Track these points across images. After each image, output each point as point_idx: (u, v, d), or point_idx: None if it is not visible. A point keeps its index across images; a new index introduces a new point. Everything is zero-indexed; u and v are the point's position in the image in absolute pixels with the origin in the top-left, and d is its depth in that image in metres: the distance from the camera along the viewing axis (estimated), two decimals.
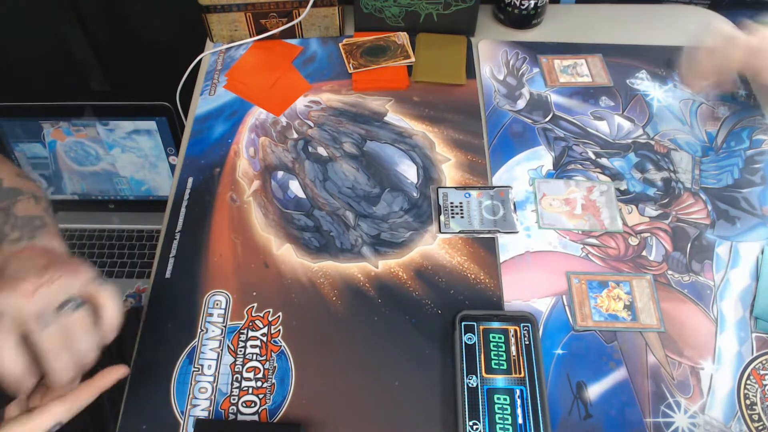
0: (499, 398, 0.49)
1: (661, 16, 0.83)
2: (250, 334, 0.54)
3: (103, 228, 1.13)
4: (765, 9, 0.89)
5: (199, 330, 0.55)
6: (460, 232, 0.60)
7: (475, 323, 0.52)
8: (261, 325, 0.55)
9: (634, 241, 0.60)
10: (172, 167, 1.11)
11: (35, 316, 0.41)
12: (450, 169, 0.66)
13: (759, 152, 0.67)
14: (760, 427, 0.50)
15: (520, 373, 0.50)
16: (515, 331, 0.52)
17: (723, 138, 0.69)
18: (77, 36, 1.02)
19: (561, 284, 0.57)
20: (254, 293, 0.57)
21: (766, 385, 0.52)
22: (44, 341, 0.42)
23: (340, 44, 0.78)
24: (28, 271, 0.43)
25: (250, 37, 0.78)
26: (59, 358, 0.42)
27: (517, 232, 0.60)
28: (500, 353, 0.51)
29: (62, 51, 1.04)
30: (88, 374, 0.45)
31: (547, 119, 0.70)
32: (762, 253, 0.59)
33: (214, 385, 0.52)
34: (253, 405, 0.51)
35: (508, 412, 0.48)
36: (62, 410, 0.43)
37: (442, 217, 0.61)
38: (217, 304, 0.56)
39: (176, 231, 0.61)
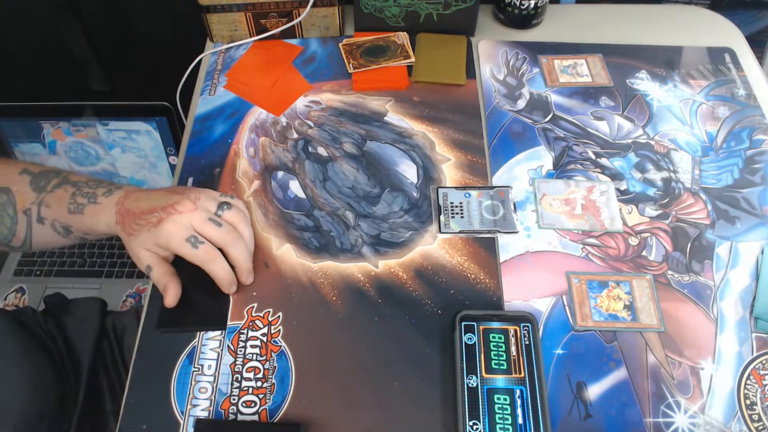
0: (499, 398, 0.49)
1: (660, 16, 0.83)
2: (250, 334, 0.54)
3: None
4: (764, 9, 0.90)
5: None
6: (460, 232, 0.60)
7: (475, 323, 0.52)
8: (261, 325, 0.55)
9: (634, 241, 0.60)
10: (173, 167, 1.11)
11: (206, 223, 0.52)
12: (450, 169, 0.66)
13: (759, 152, 0.67)
14: (760, 427, 0.50)
15: (520, 373, 0.50)
16: (515, 331, 0.52)
17: (723, 138, 0.69)
18: (77, 36, 1.02)
19: (561, 284, 0.57)
20: (254, 293, 0.57)
21: (766, 385, 0.52)
22: (223, 237, 0.53)
23: (340, 44, 0.78)
24: (159, 200, 0.53)
25: (250, 37, 0.78)
26: (238, 247, 0.54)
27: (517, 232, 0.61)
28: (500, 353, 0.51)
29: (62, 51, 1.04)
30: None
31: (547, 119, 0.70)
32: (762, 253, 0.59)
33: (214, 385, 0.52)
34: (253, 405, 0.51)
35: (508, 412, 0.48)
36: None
37: (442, 217, 0.61)
38: None
39: None
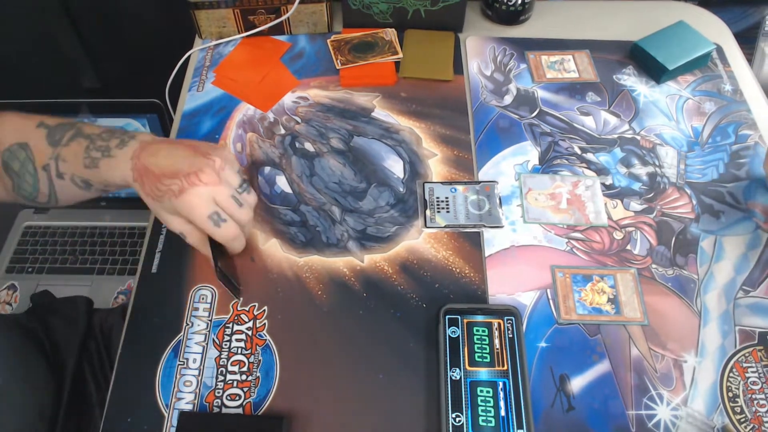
0: (482, 391, 0.49)
1: (648, 12, 0.83)
2: (236, 328, 0.55)
3: (95, 225, 1.13)
4: (753, 6, 0.90)
5: (184, 324, 0.55)
6: (445, 227, 0.61)
7: (459, 317, 0.52)
8: (246, 319, 0.55)
9: (618, 235, 0.60)
10: None
11: (230, 201, 0.51)
12: (436, 164, 0.66)
13: (744, 147, 0.67)
14: (742, 419, 0.50)
15: (503, 365, 0.50)
16: (499, 324, 0.52)
17: (709, 133, 0.69)
18: (68, 34, 1.02)
19: (545, 278, 0.58)
20: (240, 287, 0.57)
21: (749, 378, 0.52)
22: (242, 218, 0.53)
23: (328, 40, 0.78)
24: (181, 163, 0.50)
25: (239, 33, 0.78)
26: (249, 228, 0.55)
27: (502, 227, 0.61)
28: (484, 346, 0.51)
29: (53, 49, 1.04)
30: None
31: (534, 115, 0.71)
32: None
33: (199, 378, 0.52)
34: (237, 398, 0.51)
35: (491, 404, 0.48)
36: None
37: (428, 212, 0.62)
38: (203, 299, 0.56)
39: (163, 226, 0.61)
